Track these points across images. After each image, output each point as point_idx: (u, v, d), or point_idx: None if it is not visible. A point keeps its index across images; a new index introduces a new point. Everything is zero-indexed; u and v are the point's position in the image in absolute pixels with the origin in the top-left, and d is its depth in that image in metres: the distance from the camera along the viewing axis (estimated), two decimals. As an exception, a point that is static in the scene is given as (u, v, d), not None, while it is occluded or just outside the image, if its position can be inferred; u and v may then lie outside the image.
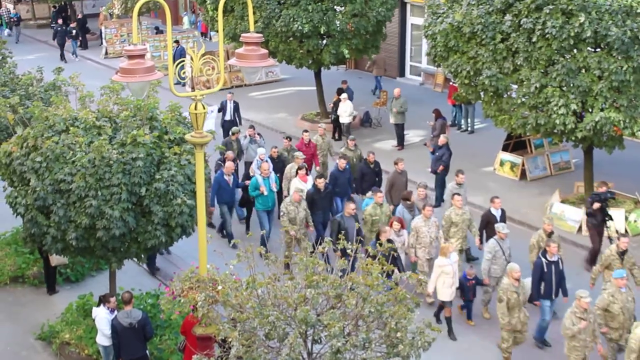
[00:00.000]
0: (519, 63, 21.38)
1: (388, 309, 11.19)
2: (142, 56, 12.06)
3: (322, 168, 25.34)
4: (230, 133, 26.23)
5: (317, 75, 32.47)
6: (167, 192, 14.97)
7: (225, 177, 22.04)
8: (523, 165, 26.59)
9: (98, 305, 16.08)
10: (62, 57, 45.87)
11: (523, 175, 26.56)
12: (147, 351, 15.87)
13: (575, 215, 22.54)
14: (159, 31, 46.92)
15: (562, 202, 23.36)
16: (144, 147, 15.05)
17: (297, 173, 22.47)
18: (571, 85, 20.62)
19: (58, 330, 17.47)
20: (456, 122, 31.94)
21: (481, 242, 19.68)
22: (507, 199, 22.24)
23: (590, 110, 20.75)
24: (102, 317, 15.75)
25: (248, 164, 24.64)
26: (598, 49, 20.60)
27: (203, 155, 13.40)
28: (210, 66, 13.39)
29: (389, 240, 17.61)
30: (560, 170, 27.15)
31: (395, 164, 22.45)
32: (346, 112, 30.02)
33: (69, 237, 15.00)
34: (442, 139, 24.62)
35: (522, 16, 20.97)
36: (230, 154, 23.09)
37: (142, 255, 16.21)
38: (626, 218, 22.52)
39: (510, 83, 21.98)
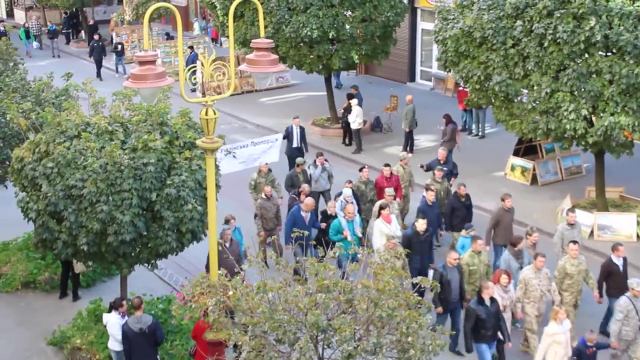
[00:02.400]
0: (529, 68, 21.33)
1: (399, 313, 11.19)
2: (153, 62, 12.11)
3: (404, 201, 22.81)
4: (295, 164, 23.84)
5: (327, 81, 32.51)
6: (178, 197, 15.00)
7: (303, 214, 20.04)
8: (534, 170, 26.56)
9: (109, 311, 16.11)
10: (99, 74, 43.08)
11: (534, 180, 26.51)
12: (158, 356, 15.91)
13: (587, 220, 22.45)
14: (169, 37, 46.99)
15: (574, 206, 23.27)
16: (155, 152, 15.12)
17: (379, 213, 19.85)
18: (582, 90, 20.58)
19: (69, 336, 17.51)
20: (467, 127, 31.92)
21: (601, 296, 17.57)
22: (518, 203, 22.18)
23: (600, 114, 20.72)
24: (113, 322, 15.78)
25: (318, 196, 22.94)
26: (609, 54, 20.56)
27: (214, 161, 13.43)
28: (221, 72, 13.43)
29: (492, 299, 15.97)
30: (571, 174, 27.11)
31: (503, 200, 20.01)
32: (356, 117, 29.93)
33: (80, 242, 15.05)
34: (442, 153, 23.62)
35: (533, 21, 20.96)
36: (306, 187, 21.50)
37: (153, 261, 16.27)
38: (638, 222, 22.49)
39: (520, 88, 21.94)
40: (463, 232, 19.33)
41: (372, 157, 29.17)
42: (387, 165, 22.50)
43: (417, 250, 18.38)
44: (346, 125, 30.64)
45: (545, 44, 20.76)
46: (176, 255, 16.50)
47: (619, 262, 17.47)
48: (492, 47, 21.97)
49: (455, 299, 17.03)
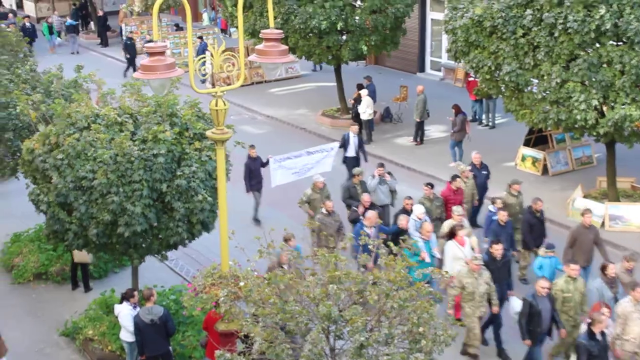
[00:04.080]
0: (540, 58, 21.26)
1: (410, 304, 11.17)
2: (162, 53, 12.10)
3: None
4: (351, 174, 22.20)
5: (337, 71, 32.44)
6: (189, 188, 15.00)
7: (367, 230, 17.45)
8: (545, 160, 26.51)
9: (121, 302, 16.14)
10: (131, 71, 41.08)
11: (545, 170, 26.46)
12: (170, 347, 15.96)
13: (599, 211, 22.37)
14: (178, 28, 46.89)
15: (585, 197, 23.25)
16: (164, 144, 15.10)
17: (451, 235, 17.91)
18: (593, 80, 20.49)
19: (81, 327, 17.53)
20: (477, 117, 31.82)
21: None
22: (528, 194, 22.11)
23: (612, 105, 20.65)
24: (125, 313, 15.80)
25: (381, 210, 20.57)
26: (620, 43, 20.46)
27: (224, 152, 13.41)
28: (231, 62, 13.40)
29: (602, 334, 14.38)
30: (582, 165, 27.03)
31: (582, 215, 18.43)
32: (367, 108, 29.83)
33: (90, 233, 15.07)
34: (476, 157, 22.10)
35: (543, 11, 20.88)
36: (366, 197, 19.84)
37: (164, 252, 16.28)
38: None
39: (531, 78, 21.86)
40: (541, 251, 17.95)
41: (382, 148, 29.12)
42: (455, 177, 20.81)
43: (496, 278, 16.59)
44: (356, 116, 30.55)
45: (556, 34, 20.68)
46: (185, 246, 16.51)
47: None
48: (502, 36, 21.89)
49: (546, 329, 15.66)
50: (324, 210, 19.34)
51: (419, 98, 29.44)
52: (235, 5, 29.74)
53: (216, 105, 12.92)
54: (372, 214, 18.45)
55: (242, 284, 11.94)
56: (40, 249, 20.65)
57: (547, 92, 21.27)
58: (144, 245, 15.63)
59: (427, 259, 17.50)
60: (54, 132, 15.47)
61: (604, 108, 20.96)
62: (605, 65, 20.48)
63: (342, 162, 24.76)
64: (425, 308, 11.27)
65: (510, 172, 26.15)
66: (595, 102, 20.48)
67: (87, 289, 19.77)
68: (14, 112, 19.19)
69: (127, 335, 15.89)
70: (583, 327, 14.81)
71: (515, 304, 16.46)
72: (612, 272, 16.01)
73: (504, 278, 16.98)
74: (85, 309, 18.18)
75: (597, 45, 20.55)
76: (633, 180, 24.23)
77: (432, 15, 39.00)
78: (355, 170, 21.75)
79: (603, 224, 22.35)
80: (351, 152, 24.78)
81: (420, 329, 11.07)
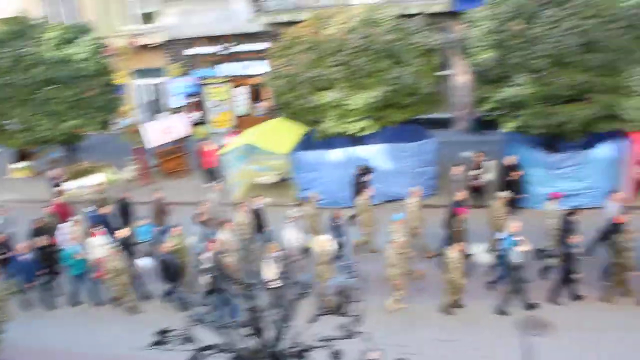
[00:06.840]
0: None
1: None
2: None
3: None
4: None
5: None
6: None
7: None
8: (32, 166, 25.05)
9: None
10: None
11: (37, 174, 24.80)
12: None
13: (72, 184, 22.15)
14: None
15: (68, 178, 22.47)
16: None
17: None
18: (45, 111, 21.69)
19: None
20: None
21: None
22: (22, 190, 22.69)
23: (62, 122, 21.77)
24: None
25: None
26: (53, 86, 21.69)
27: None
28: None
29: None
30: (51, 164, 24.24)
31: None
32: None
33: None
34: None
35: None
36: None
37: None
38: (106, 178, 22.57)
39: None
40: (139, 223, 17.03)
41: None
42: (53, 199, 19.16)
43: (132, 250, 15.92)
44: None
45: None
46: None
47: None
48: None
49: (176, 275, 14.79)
50: None
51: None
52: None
53: None
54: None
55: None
56: None
57: (21, 125, 21.79)
58: None
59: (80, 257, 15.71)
60: None
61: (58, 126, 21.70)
62: (51, 102, 21.34)
63: None
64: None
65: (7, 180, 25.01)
66: (46, 124, 21.56)
67: None
68: None
69: None
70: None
71: (145, 262, 15.98)
72: (203, 218, 15.77)
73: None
74: None
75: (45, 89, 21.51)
76: (87, 162, 23.64)
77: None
78: None
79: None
80: None
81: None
